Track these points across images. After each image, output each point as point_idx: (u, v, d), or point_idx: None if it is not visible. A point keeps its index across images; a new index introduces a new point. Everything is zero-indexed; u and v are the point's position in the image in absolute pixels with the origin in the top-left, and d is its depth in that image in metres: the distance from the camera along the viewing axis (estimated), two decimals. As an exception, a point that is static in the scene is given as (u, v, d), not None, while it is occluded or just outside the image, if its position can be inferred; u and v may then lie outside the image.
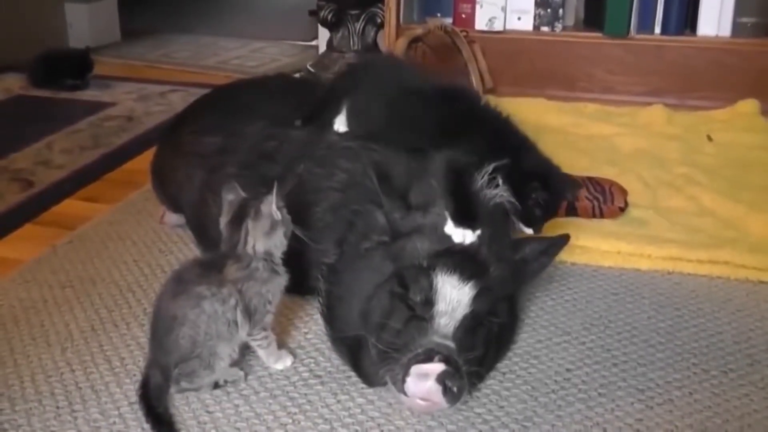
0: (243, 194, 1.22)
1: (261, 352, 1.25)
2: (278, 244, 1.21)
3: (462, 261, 1.14)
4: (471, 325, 1.12)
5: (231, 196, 1.23)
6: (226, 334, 1.17)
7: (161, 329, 1.17)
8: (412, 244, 1.17)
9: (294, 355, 1.29)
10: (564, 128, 2.37)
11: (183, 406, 1.18)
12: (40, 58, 2.93)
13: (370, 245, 1.24)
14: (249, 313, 1.18)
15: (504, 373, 1.26)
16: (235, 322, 1.17)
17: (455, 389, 1.04)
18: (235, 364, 1.23)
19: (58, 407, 1.18)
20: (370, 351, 1.14)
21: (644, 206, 1.81)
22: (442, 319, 1.10)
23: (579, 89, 2.71)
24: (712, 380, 1.25)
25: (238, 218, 1.20)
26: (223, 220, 1.23)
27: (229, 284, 1.17)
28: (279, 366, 1.26)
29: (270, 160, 1.47)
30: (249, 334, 1.20)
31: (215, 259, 1.22)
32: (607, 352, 1.32)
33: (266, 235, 1.19)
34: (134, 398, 1.19)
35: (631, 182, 1.88)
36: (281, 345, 1.30)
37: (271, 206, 1.19)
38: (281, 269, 1.22)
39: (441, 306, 1.10)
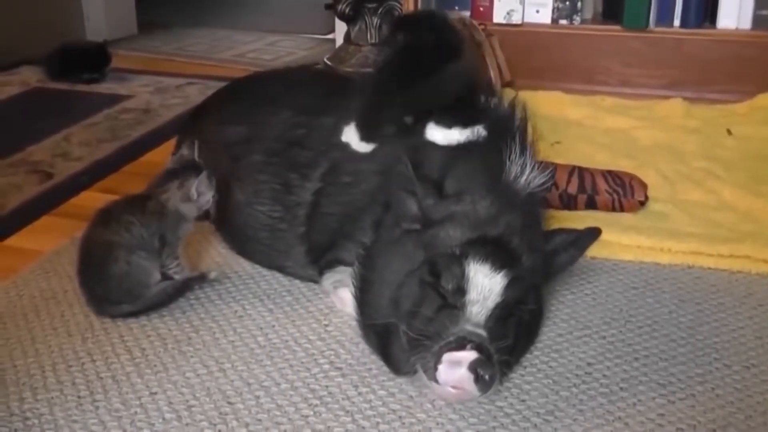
0: (194, 157, 1.43)
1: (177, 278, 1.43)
2: (187, 213, 1.42)
3: (494, 250, 1.13)
4: (502, 315, 1.12)
5: (186, 152, 1.46)
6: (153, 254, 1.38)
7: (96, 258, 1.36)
8: (445, 232, 1.17)
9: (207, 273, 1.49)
10: (582, 121, 2.36)
11: (204, 397, 1.18)
12: (57, 52, 2.93)
13: (401, 232, 1.23)
14: (163, 242, 1.39)
15: (525, 367, 1.25)
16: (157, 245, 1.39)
17: (487, 377, 1.03)
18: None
19: (79, 397, 1.19)
20: (401, 338, 1.14)
21: (664, 200, 1.80)
22: (474, 307, 1.09)
23: (596, 82, 2.69)
24: (734, 375, 1.24)
25: (173, 174, 1.42)
26: (168, 165, 1.46)
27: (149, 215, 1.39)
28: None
29: (300, 147, 1.47)
30: (163, 264, 1.40)
31: (138, 197, 1.43)
32: (629, 347, 1.31)
33: (181, 201, 1.40)
34: (156, 389, 1.20)
35: (650, 176, 1.87)
36: (196, 269, 1.52)
37: (191, 190, 1.40)
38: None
39: (473, 294, 1.10)
